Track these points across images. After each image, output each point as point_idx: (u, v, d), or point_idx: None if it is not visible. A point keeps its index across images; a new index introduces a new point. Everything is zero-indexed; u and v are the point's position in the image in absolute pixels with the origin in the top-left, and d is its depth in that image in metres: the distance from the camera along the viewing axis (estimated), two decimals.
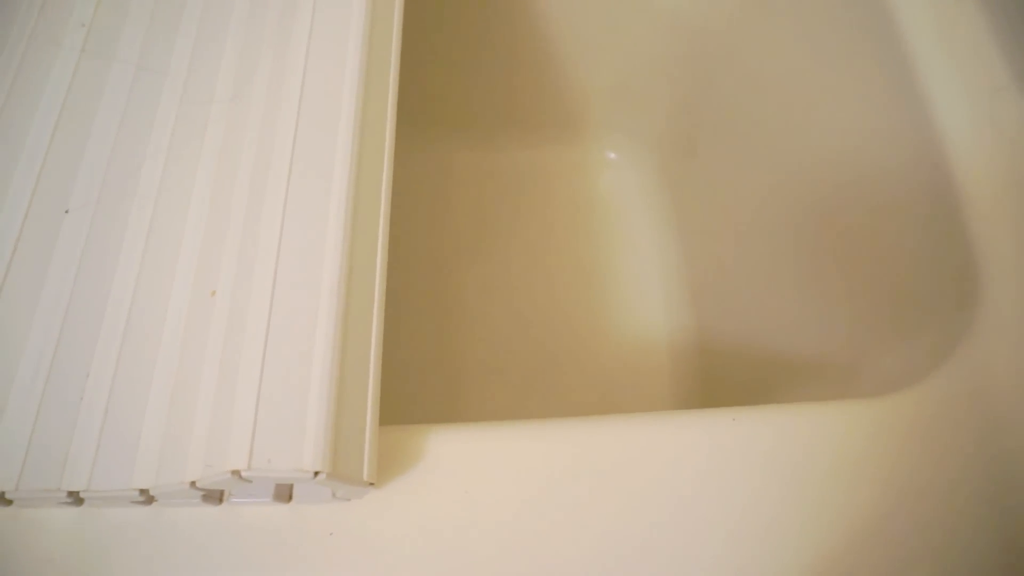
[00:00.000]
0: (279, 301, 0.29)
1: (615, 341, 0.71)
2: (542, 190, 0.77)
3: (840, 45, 0.53)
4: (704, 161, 0.72)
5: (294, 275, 0.30)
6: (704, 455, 0.33)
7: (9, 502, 0.29)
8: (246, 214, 0.32)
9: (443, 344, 0.71)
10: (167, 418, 0.29)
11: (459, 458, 0.33)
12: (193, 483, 0.27)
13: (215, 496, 0.30)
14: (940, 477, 0.34)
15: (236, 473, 0.26)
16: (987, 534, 0.33)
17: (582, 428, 0.34)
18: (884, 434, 0.34)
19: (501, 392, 0.70)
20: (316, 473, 0.26)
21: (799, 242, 0.60)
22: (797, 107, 0.59)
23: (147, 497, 0.29)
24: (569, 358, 0.71)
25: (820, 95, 0.56)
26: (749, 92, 0.65)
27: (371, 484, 0.29)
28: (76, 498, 0.29)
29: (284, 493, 0.30)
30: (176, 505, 0.30)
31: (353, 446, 0.28)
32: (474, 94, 0.75)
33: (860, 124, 0.51)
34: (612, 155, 0.77)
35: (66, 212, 0.34)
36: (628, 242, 0.74)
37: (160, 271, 0.33)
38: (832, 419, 0.35)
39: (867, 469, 0.33)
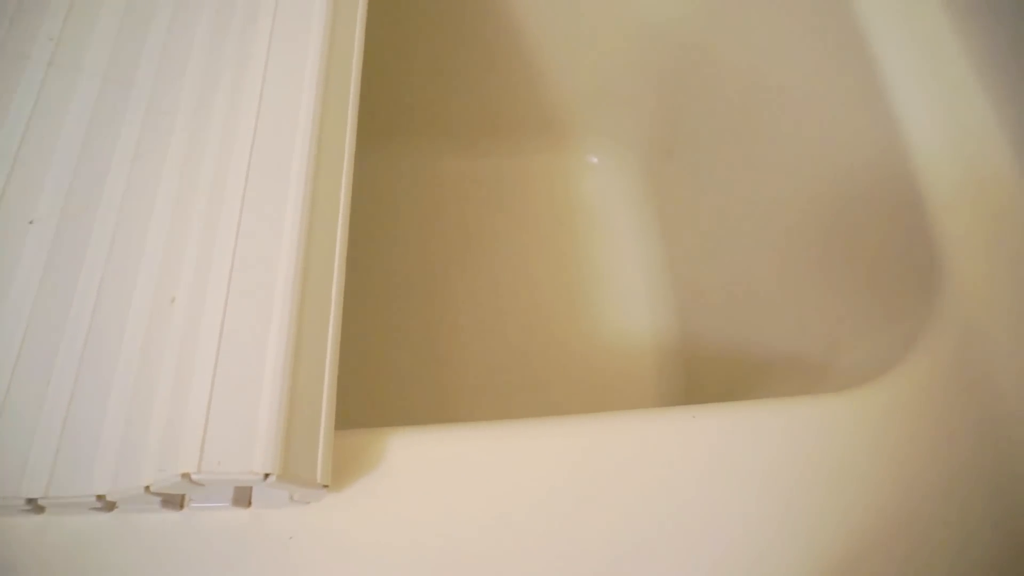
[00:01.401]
0: (233, 306, 0.29)
1: (599, 345, 0.71)
2: (525, 195, 0.77)
3: (810, 49, 0.53)
4: (686, 164, 0.72)
5: (248, 281, 0.30)
6: (666, 452, 0.33)
7: None
8: (205, 222, 0.33)
9: (427, 350, 0.71)
10: (125, 424, 0.29)
11: (421, 460, 0.33)
12: (148, 488, 0.27)
13: (175, 501, 0.31)
14: (907, 466, 0.34)
15: (186, 476, 0.26)
16: (965, 517, 0.33)
17: (541, 429, 0.34)
18: (850, 427, 0.35)
19: (487, 397, 0.70)
20: (266, 475, 0.26)
21: (778, 241, 0.60)
22: (772, 109, 0.59)
23: (106, 503, 0.29)
24: (554, 363, 0.71)
25: (793, 97, 0.56)
26: (727, 95, 0.65)
27: (326, 487, 0.29)
28: (36, 506, 0.29)
29: (243, 497, 0.31)
30: (137, 511, 0.31)
31: (306, 448, 0.28)
32: (455, 101, 0.76)
33: (829, 124, 0.51)
34: (594, 159, 0.77)
35: (30, 223, 0.35)
36: (611, 246, 0.75)
37: (122, 279, 0.33)
38: (794, 413, 0.35)
39: (829, 462, 0.33)
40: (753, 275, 0.62)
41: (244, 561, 0.30)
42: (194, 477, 0.26)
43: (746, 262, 0.64)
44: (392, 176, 0.77)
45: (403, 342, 0.71)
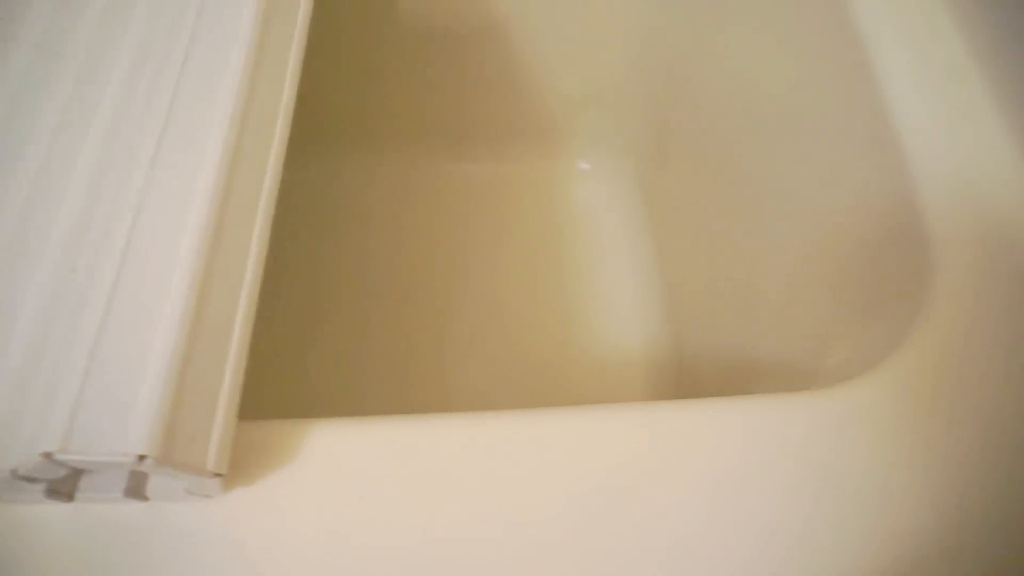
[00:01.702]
0: (128, 275, 0.27)
1: (588, 354, 0.68)
2: (513, 202, 0.74)
3: (804, 53, 0.51)
4: (679, 170, 0.69)
5: (146, 249, 0.27)
6: (619, 449, 0.30)
7: None
8: (116, 190, 0.30)
9: (412, 359, 0.68)
10: (8, 403, 0.27)
11: (343, 454, 0.30)
12: (14, 471, 0.24)
13: (63, 491, 0.28)
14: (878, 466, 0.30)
15: (47, 456, 0.23)
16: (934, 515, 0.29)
17: (476, 422, 0.30)
18: (825, 425, 0.31)
19: (472, 405, 0.66)
20: (142, 457, 0.23)
21: (771, 248, 0.57)
22: (766, 115, 0.56)
23: None
24: (542, 371, 0.68)
25: (787, 103, 0.54)
26: (721, 100, 0.62)
27: (219, 475, 0.26)
28: None
29: (138, 488, 0.28)
30: (23, 503, 0.28)
31: (195, 431, 0.25)
32: (443, 106, 0.74)
33: (823, 130, 0.48)
34: (585, 165, 0.75)
35: None
36: (602, 254, 0.72)
37: (29, 250, 0.31)
38: (766, 412, 0.31)
39: (797, 463, 0.30)
40: (745, 282, 0.59)
41: (135, 559, 0.27)
42: (56, 457, 0.23)
43: (738, 269, 0.61)
44: (376, 181, 0.75)
45: (384, 350, 0.68)
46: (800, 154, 0.52)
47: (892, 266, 0.40)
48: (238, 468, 0.29)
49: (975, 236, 0.36)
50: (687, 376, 0.64)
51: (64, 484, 0.27)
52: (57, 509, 0.28)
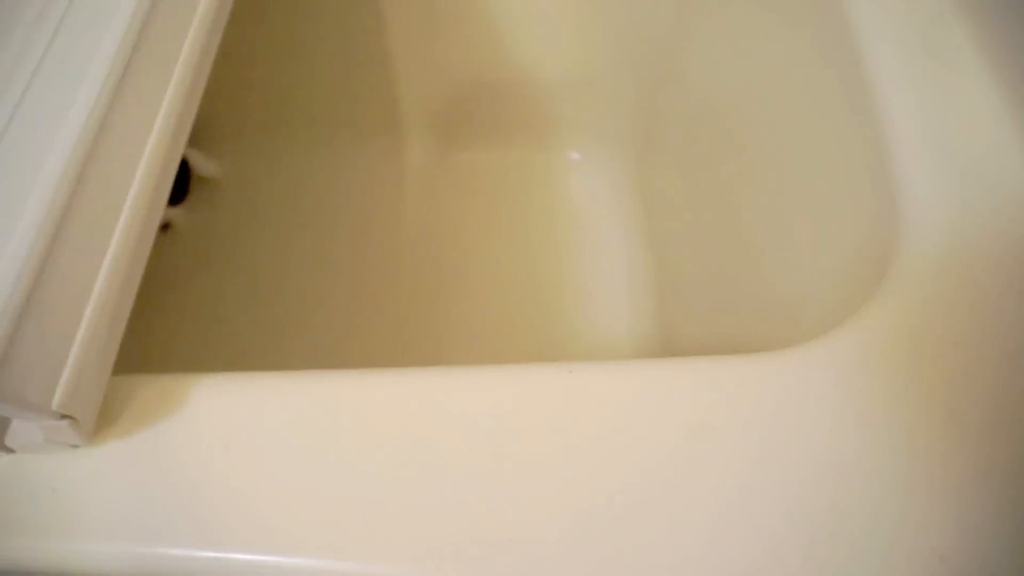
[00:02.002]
0: None
1: (577, 344, 0.65)
2: (502, 192, 0.72)
3: (793, 44, 0.48)
4: (668, 159, 0.66)
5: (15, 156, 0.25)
6: (521, 406, 0.27)
7: None
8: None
9: (402, 348, 0.66)
10: None
11: (225, 410, 0.27)
12: None
13: None
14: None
15: None
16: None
17: (364, 379, 0.28)
18: (777, 386, 0.28)
19: None
20: None
21: (759, 236, 0.54)
22: (754, 105, 0.54)
23: None
24: (530, 360, 0.65)
25: (775, 93, 0.51)
26: (708, 88, 0.60)
27: (68, 417, 0.24)
28: None
29: None
30: None
31: (42, 361, 0.23)
32: (432, 93, 0.72)
33: (810, 122, 0.45)
34: (575, 156, 0.72)
35: None
36: (592, 244, 0.69)
37: None
38: (695, 374, 0.28)
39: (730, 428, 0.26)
40: (733, 272, 0.56)
41: None
42: None
43: (727, 258, 0.57)
44: (363, 168, 0.73)
45: (371, 342, 0.66)
46: (788, 143, 0.50)
47: (871, 253, 0.36)
48: (116, 421, 0.27)
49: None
50: None
51: None
52: None
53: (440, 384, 0.28)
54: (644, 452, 0.26)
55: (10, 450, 0.26)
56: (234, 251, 0.69)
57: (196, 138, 0.74)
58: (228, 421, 0.27)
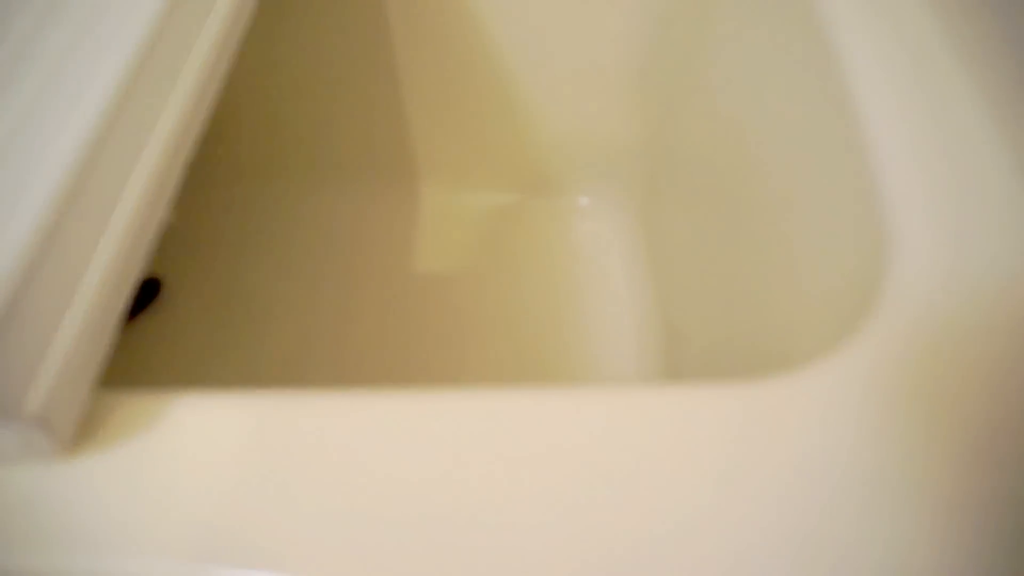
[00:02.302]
0: None
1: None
2: (512, 236, 0.72)
3: (796, 90, 0.48)
4: (675, 205, 0.66)
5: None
6: (509, 430, 0.26)
7: None
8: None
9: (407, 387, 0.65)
10: None
11: (206, 427, 0.27)
12: None
13: None
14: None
15: None
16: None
17: (349, 400, 0.27)
18: (763, 413, 0.27)
19: None
20: None
21: (769, 279, 0.53)
22: (759, 150, 0.54)
23: None
24: None
25: (772, 134, 0.51)
26: (712, 134, 0.60)
27: (43, 424, 0.23)
28: None
29: None
30: None
31: (15, 362, 0.22)
32: (445, 138, 0.73)
33: (808, 154, 0.45)
34: (584, 200, 0.72)
35: None
36: (600, 290, 0.68)
37: None
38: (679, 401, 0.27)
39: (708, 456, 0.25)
40: (738, 309, 0.55)
41: None
42: None
43: (736, 304, 0.57)
44: (375, 208, 0.74)
45: (379, 379, 0.65)
46: (787, 181, 0.50)
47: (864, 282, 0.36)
48: (95, 435, 0.27)
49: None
50: None
51: None
52: None
53: (432, 406, 0.27)
54: (649, 477, 0.25)
55: None
56: (238, 288, 0.69)
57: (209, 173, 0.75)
58: (210, 438, 0.26)
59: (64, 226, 0.25)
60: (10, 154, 0.26)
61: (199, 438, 0.26)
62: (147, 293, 0.67)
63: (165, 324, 0.67)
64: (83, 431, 0.27)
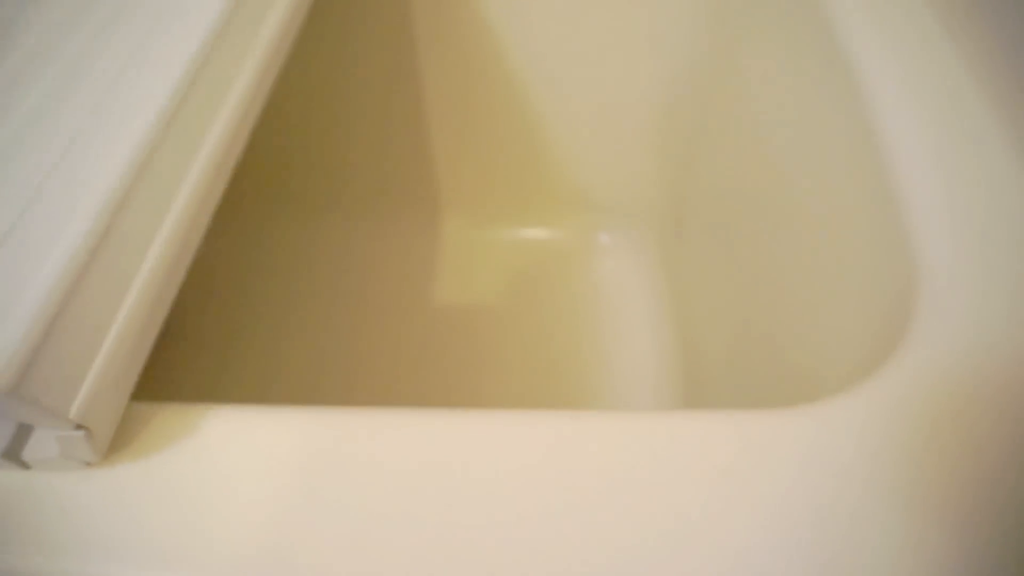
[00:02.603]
0: (43, 196, 0.26)
1: None
2: (532, 271, 0.73)
3: (818, 125, 0.49)
4: (696, 241, 0.67)
5: (67, 178, 0.27)
6: (522, 453, 0.27)
7: None
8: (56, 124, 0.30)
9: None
10: None
11: (238, 441, 0.28)
12: None
13: None
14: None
15: None
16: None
17: (373, 417, 0.28)
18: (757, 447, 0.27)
19: None
20: None
21: (789, 317, 0.53)
22: (777, 185, 0.55)
23: None
24: None
25: (795, 172, 0.52)
26: (738, 171, 0.61)
27: (84, 429, 0.24)
28: None
29: (15, 450, 0.26)
30: None
31: (65, 372, 0.23)
32: (467, 172, 0.75)
33: (830, 193, 0.46)
34: (605, 238, 0.73)
35: None
36: (620, 326, 0.69)
37: None
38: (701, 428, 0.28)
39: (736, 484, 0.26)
40: (759, 346, 0.55)
41: (5, 535, 0.25)
42: None
43: (752, 334, 0.57)
44: (397, 245, 0.75)
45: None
46: (812, 218, 0.50)
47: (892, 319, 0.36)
48: (128, 444, 0.27)
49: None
50: None
51: None
52: None
53: (456, 426, 0.28)
54: (669, 501, 0.26)
55: (26, 466, 0.26)
56: (253, 314, 0.71)
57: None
58: (237, 450, 0.27)
59: (112, 241, 0.26)
60: (68, 170, 0.27)
61: (231, 450, 0.27)
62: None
63: (181, 347, 0.68)
64: (116, 440, 0.27)
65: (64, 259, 0.24)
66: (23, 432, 0.26)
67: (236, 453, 0.27)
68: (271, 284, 0.73)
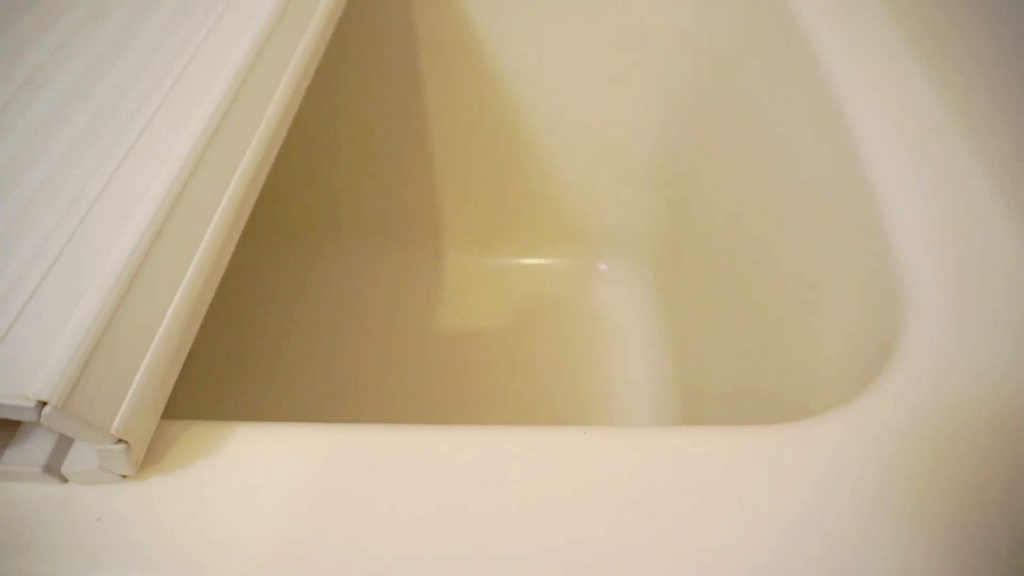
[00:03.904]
0: (87, 226, 0.28)
1: None
2: (531, 298, 0.75)
3: (811, 156, 0.52)
4: (693, 271, 0.69)
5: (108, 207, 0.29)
6: (539, 467, 0.28)
7: None
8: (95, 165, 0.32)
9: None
10: None
11: (264, 456, 0.29)
12: None
13: None
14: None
15: None
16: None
17: (395, 433, 0.30)
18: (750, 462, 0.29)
19: None
20: (43, 404, 0.24)
21: (786, 346, 0.55)
22: (771, 215, 0.57)
23: None
24: None
25: (787, 203, 0.54)
26: (736, 203, 0.63)
27: (124, 442, 0.26)
28: None
29: (55, 462, 0.28)
30: None
31: (107, 390, 0.25)
32: (471, 205, 0.77)
33: (822, 223, 0.48)
34: (603, 266, 0.75)
35: None
36: (618, 353, 0.71)
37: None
38: (702, 442, 0.29)
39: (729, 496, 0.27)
40: (753, 372, 0.57)
41: (41, 543, 0.27)
42: None
43: (747, 360, 0.59)
44: (399, 272, 0.77)
45: None
46: (801, 252, 0.52)
47: (871, 307, 0.38)
48: (160, 459, 0.29)
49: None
50: None
51: None
52: None
53: (476, 441, 0.30)
54: (663, 516, 0.27)
55: (64, 479, 0.28)
56: (260, 342, 0.72)
57: None
58: (264, 464, 0.29)
59: (149, 267, 0.28)
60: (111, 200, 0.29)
61: (258, 465, 0.29)
62: None
63: (181, 372, 0.70)
64: (148, 455, 0.29)
65: (107, 285, 0.26)
66: (62, 446, 0.28)
67: (263, 467, 0.29)
68: (270, 310, 0.75)
